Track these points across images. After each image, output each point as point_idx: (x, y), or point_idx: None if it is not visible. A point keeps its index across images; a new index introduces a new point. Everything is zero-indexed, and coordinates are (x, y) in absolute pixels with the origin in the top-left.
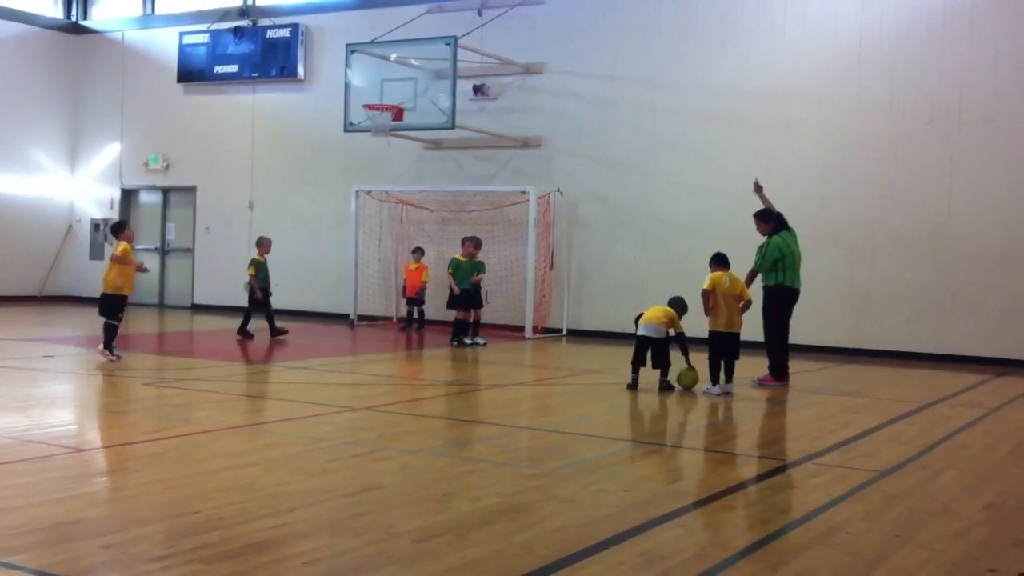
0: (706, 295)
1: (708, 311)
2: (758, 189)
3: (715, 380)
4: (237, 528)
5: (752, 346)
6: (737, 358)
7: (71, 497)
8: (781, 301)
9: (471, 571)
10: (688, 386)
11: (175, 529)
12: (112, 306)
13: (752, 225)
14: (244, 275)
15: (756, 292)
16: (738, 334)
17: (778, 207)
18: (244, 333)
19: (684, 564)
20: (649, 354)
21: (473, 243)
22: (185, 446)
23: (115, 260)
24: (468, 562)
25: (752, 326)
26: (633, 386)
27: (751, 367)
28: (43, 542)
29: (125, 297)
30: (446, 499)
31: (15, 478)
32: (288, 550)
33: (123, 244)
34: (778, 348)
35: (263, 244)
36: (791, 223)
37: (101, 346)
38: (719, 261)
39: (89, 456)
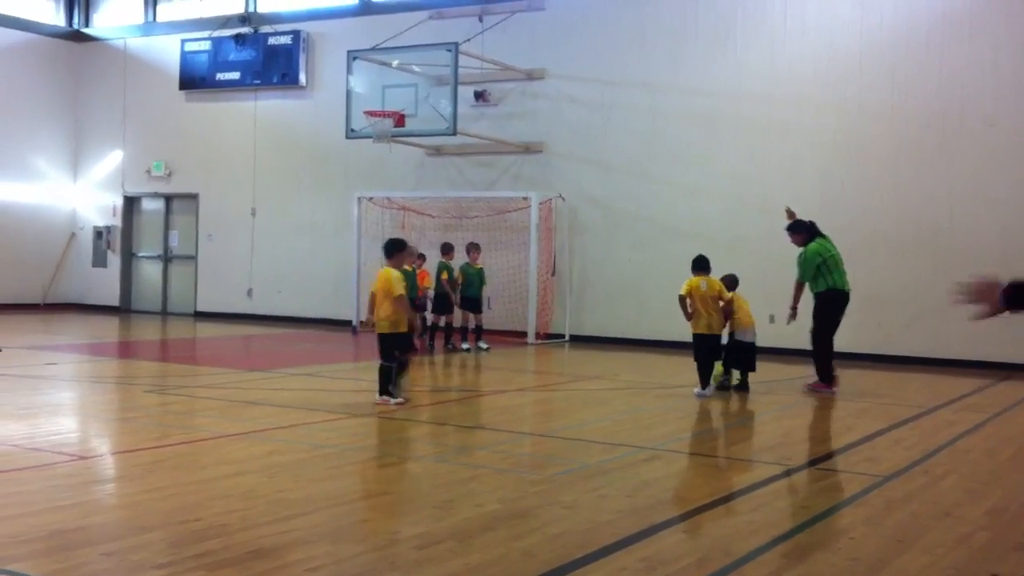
0: (683, 300)
1: (688, 316)
2: (791, 216)
3: (705, 383)
4: (239, 535)
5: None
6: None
7: (73, 505)
8: (831, 305)
9: None
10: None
11: (177, 536)
12: (384, 347)
13: (750, 229)
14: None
15: (808, 299)
16: (719, 335)
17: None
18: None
19: (686, 570)
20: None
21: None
22: (187, 453)
23: (392, 301)
24: (470, 568)
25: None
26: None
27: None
28: (45, 550)
29: (402, 335)
30: (448, 505)
31: (17, 486)
32: (290, 557)
33: (386, 276)
34: (823, 354)
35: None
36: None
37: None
38: (696, 266)
39: (91, 464)
